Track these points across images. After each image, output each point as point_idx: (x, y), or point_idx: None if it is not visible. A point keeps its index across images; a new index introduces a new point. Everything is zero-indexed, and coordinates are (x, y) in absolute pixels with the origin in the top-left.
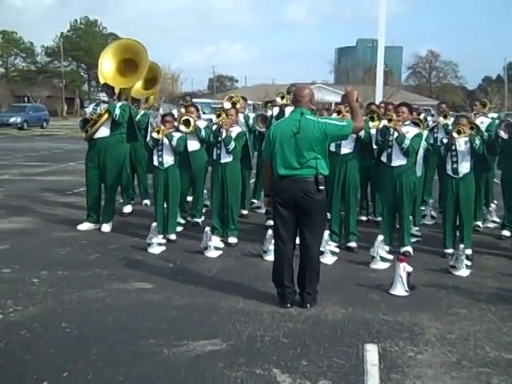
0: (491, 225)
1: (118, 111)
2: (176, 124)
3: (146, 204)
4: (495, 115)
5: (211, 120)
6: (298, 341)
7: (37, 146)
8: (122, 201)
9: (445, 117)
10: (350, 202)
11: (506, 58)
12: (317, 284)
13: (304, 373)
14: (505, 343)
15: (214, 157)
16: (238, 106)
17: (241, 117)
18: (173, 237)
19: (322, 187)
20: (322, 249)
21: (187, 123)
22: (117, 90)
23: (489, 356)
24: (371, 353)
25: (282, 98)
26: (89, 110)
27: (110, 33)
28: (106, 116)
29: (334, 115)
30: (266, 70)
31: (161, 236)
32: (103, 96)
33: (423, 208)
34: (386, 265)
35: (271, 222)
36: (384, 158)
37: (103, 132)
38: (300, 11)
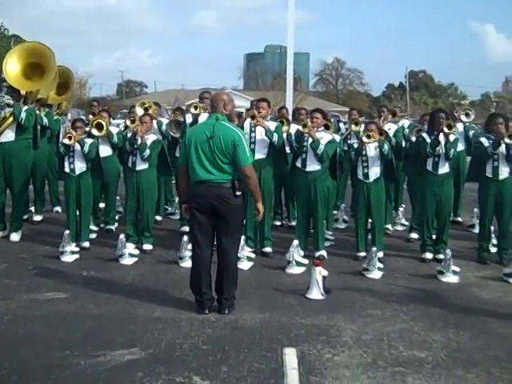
0: (400, 227)
1: (23, 115)
2: (88, 128)
3: (57, 211)
4: (407, 122)
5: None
6: (217, 347)
7: None
8: (33, 209)
9: (356, 124)
10: (265, 207)
11: (407, 66)
12: (235, 290)
13: (224, 379)
14: (417, 342)
15: (129, 164)
16: (150, 111)
17: (154, 123)
18: (86, 244)
19: (238, 193)
20: (238, 254)
21: (100, 127)
22: (23, 94)
23: (402, 355)
24: (290, 356)
25: (196, 108)
26: None
27: (12, 34)
28: (11, 120)
29: (248, 121)
30: (176, 75)
31: (74, 244)
32: (7, 99)
33: (335, 212)
34: (301, 269)
35: (186, 229)
36: (299, 164)
37: (8, 136)
38: (209, 18)
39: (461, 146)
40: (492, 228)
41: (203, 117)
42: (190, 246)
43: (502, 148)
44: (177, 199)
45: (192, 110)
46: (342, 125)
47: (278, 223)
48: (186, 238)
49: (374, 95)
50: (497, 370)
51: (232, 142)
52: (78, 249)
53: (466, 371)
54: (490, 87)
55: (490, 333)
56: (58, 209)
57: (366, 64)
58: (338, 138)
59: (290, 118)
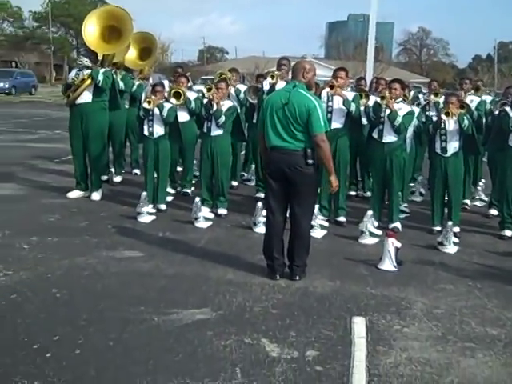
0: (479, 203)
1: (101, 77)
2: (167, 96)
3: (135, 173)
4: (489, 98)
5: (202, 92)
6: (286, 312)
7: (25, 112)
8: (113, 170)
9: (436, 95)
10: (340, 177)
11: (496, 38)
12: (306, 257)
13: (292, 343)
14: (490, 319)
15: (205, 130)
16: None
17: (232, 90)
18: (163, 207)
19: (310, 161)
20: (312, 223)
21: (178, 96)
22: (100, 57)
23: (474, 331)
24: (359, 325)
25: (272, 77)
26: (71, 75)
27: None
28: (89, 81)
29: (326, 90)
30: (257, 42)
31: (151, 205)
32: (86, 61)
33: (412, 185)
34: (374, 240)
35: (261, 195)
36: (375, 135)
37: (85, 97)
38: None
39: None
40: None
41: (280, 85)
42: (264, 212)
43: None
44: (253, 166)
45: (269, 79)
46: (420, 96)
47: (353, 193)
48: (260, 203)
49: (460, 67)
50: None
51: (306, 109)
52: (154, 210)
53: None
54: None
55: None
56: (137, 171)
57: (453, 34)
58: (416, 110)
59: (368, 88)
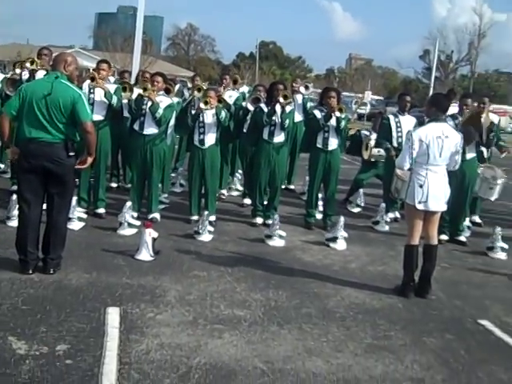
0: (235, 193)
1: None
2: None
3: None
4: (247, 89)
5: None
6: (38, 307)
7: None
8: None
9: (199, 90)
10: (100, 169)
11: (257, 37)
12: (62, 250)
13: (42, 338)
14: (237, 301)
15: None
16: None
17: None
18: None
19: (71, 153)
20: (69, 215)
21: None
22: None
23: (222, 314)
24: (112, 315)
25: (32, 63)
26: None
27: None
28: None
29: (87, 82)
30: (21, 29)
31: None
32: None
33: (173, 175)
34: (133, 230)
35: (15, 188)
36: (136, 126)
37: None
38: None
39: (299, 117)
40: (320, 196)
41: (40, 74)
42: None
43: (333, 120)
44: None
45: (28, 64)
46: (185, 91)
47: (114, 185)
48: (15, 196)
49: (225, 63)
50: (308, 325)
51: (71, 99)
52: None
53: (280, 327)
54: (335, 62)
55: (306, 292)
56: None
57: (219, 32)
58: (177, 101)
59: (133, 81)
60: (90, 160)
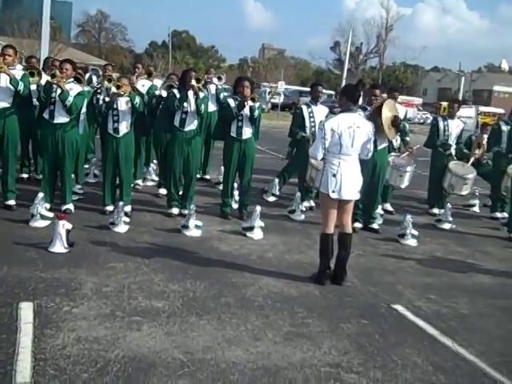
0: (150, 183)
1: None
2: None
3: None
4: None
5: None
6: None
7: None
8: None
9: (109, 81)
10: (9, 159)
11: (170, 26)
12: None
13: None
14: (155, 293)
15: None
16: None
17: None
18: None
19: None
20: None
21: None
22: None
23: (140, 306)
24: (26, 310)
25: None
26: None
27: None
28: None
29: None
30: None
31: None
32: None
33: (86, 166)
34: (46, 222)
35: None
36: (46, 115)
37: None
38: None
39: (213, 107)
40: (235, 185)
41: None
42: None
43: (246, 110)
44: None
45: None
46: (94, 78)
47: (25, 175)
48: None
49: (137, 52)
50: (226, 315)
51: None
52: None
53: (198, 318)
54: (248, 52)
55: (224, 282)
56: None
57: (130, 20)
58: (88, 89)
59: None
60: None
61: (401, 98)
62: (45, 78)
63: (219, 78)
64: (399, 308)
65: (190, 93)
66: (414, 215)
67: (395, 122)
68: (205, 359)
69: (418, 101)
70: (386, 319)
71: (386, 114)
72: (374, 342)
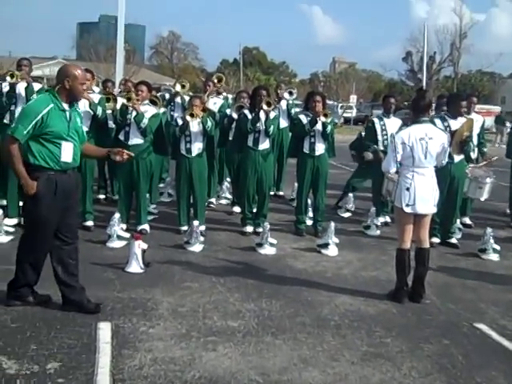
0: (224, 201)
1: None
2: None
3: None
4: (231, 96)
5: None
6: (27, 324)
7: None
8: None
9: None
10: (87, 181)
11: (240, 43)
12: None
13: (32, 357)
14: (231, 312)
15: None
16: None
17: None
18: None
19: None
20: None
21: None
22: None
23: (216, 325)
24: (104, 331)
25: (12, 76)
26: None
27: None
28: None
29: None
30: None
31: None
32: None
33: (161, 186)
34: (122, 243)
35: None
36: (121, 137)
37: None
38: None
39: (284, 123)
40: (309, 202)
41: (21, 86)
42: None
43: (319, 125)
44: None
45: (8, 78)
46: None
47: (102, 197)
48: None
49: (209, 70)
50: (302, 335)
51: None
52: None
53: (274, 338)
54: (318, 67)
55: (299, 301)
56: None
57: (202, 39)
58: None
59: (117, 90)
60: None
61: (479, 106)
62: (120, 100)
63: (290, 93)
64: (483, 327)
65: (262, 112)
66: (495, 229)
67: (464, 141)
68: (281, 380)
69: (497, 109)
70: (468, 339)
71: (462, 130)
72: (457, 364)
